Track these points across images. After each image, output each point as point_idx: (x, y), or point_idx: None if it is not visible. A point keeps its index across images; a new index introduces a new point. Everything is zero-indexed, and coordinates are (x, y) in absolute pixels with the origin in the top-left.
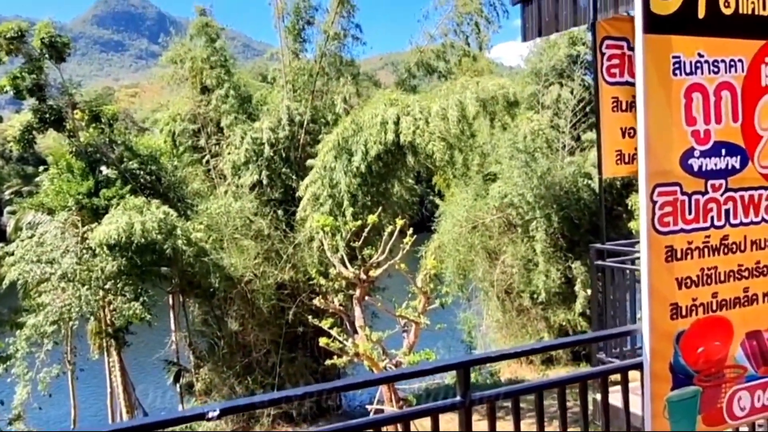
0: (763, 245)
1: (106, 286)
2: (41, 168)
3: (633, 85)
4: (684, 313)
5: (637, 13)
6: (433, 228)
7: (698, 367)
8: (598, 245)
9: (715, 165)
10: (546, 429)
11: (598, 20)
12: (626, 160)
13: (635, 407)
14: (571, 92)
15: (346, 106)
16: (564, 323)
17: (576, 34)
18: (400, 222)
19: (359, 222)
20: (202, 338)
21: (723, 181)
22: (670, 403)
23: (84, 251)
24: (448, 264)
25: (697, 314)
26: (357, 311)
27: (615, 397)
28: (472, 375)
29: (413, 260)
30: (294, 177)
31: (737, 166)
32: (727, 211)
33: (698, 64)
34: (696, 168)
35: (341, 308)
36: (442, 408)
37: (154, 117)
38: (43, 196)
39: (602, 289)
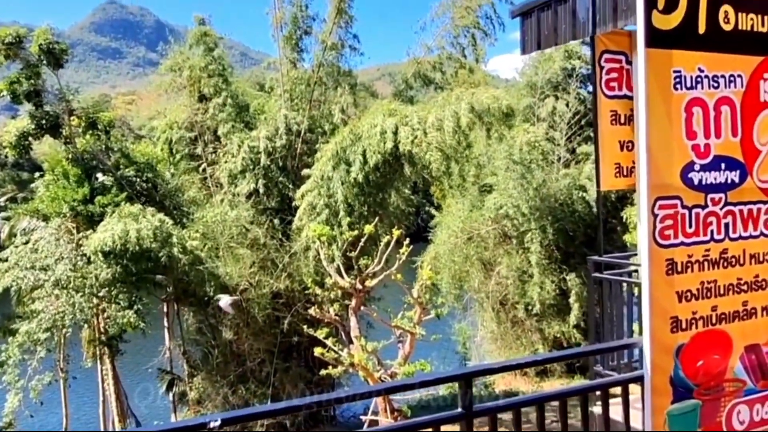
0: (761, 259)
1: (100, 294)
2: (37, 174)
3: (631, 98)
4: (684, 326)
5: (640, 27)
6: (429, 238)
7: (698, 381)
8: (596, 257)
9: (715, 179)
10: None
11: (597, 34)
12: (624, 173)
13: (635, 421)
14: (567, 105)
15: (343, 116)
16: (558, 335)
17: (571, 47)
18: (396, 232)
19: (356, 232)
20: (196, 347)
21: (723, 195)
22: (670, 417)
23: (78, 258)
24: (444, 275)
25: (696, 327)
26: (352, 321)
27: (613, 411)
28: None
29: (409, 270)
30: (290, 186)
31: (736, 180)
32: (726, 225)
33: (699, 79)
34: (696, 182)
35: (337, 318)
36: (444, 419)
37: (151, 124)
38: (38, 203)
39: (599, 301)
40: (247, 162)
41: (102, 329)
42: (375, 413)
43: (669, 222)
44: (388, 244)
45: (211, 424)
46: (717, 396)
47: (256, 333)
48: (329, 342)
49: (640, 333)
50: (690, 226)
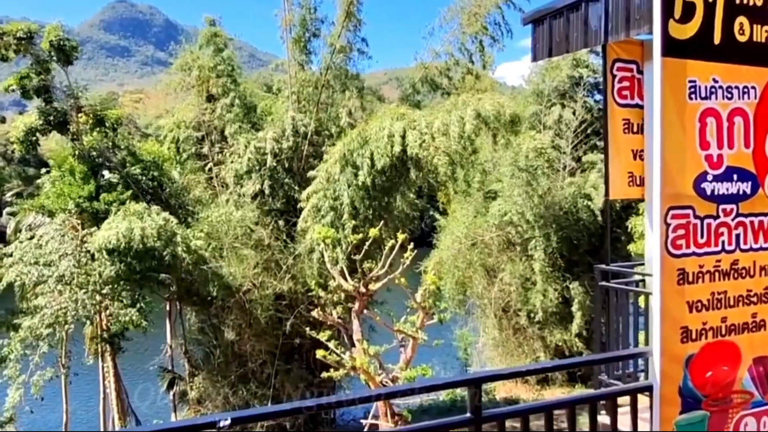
0: None
1: (104, 291)
2: (43, 170)
3: (642, 107)
4: (694, 336)
5: (656, 35)
6: (433, 243)
7: (706, 392)
8: (603, 266)
9: (727, 189)
10: None
11: (608, 42)
12: (638, 182)
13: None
14: (573, 113)
15: (350, 119)
16: (560, 343)
17: (579, 56)
18: (401, 236)
19: (360, 235)
20: (198, 346)
21: (734, 206)
22: (678, 427)
23: (83, 255)
24: (447, 280)
25: (706, 338)
26: (355, 324)
27: (619, 420)
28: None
29: (412, 275)
30: (296, 187)
31: (748, 191)
32: (737, 236)
33: (713, 90)
34: (709, 192)
35: (339, 321)
36: (452, 424)
37: (158, 123)
38: (44, 199)
39: (606, 309)
40: (254, 163)
41: (104, 326)
42: (375, 417)
43: (681, 232)
44: (392, 247)
45: (221, 423)
46: (725, 407)
47: (259, 334)
48: (331, 345)
49: (646, 343)
50: (702, 237)
